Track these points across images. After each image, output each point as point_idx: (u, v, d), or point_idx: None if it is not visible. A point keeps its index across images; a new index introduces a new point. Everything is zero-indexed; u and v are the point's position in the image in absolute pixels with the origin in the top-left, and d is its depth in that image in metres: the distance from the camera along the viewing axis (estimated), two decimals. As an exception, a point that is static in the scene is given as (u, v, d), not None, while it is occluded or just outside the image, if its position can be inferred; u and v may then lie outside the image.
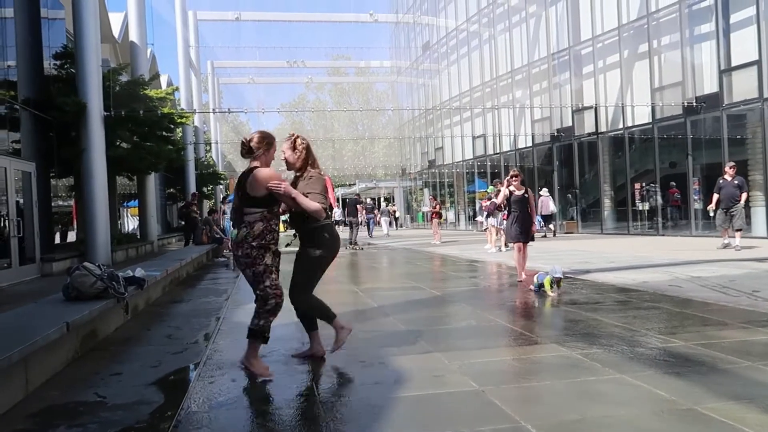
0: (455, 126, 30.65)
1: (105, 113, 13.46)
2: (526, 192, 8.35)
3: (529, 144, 24.21)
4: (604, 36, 19.96)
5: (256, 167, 3.99)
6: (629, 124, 19.11)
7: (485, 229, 14.69)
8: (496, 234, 13.65)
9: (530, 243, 8.47)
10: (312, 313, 4.45)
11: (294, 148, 4.27)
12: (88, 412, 3.38)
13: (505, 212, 13.86)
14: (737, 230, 11.79)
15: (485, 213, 13.87)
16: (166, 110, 16.66)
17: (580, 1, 21.13)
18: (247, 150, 4.05)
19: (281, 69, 42.67)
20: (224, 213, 20.11)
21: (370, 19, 34.80)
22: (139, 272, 6.07)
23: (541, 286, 7.06)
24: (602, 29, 20.00)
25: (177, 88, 21.17)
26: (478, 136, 27.50)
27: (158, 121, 15.71)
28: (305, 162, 4.29)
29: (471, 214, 21.84)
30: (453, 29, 30.27)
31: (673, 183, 18.27)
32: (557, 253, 13.07)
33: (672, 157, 18.36)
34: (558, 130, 22.15)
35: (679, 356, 4.22)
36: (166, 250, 17.60)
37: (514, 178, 8.40)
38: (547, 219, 18.95)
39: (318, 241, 4.24)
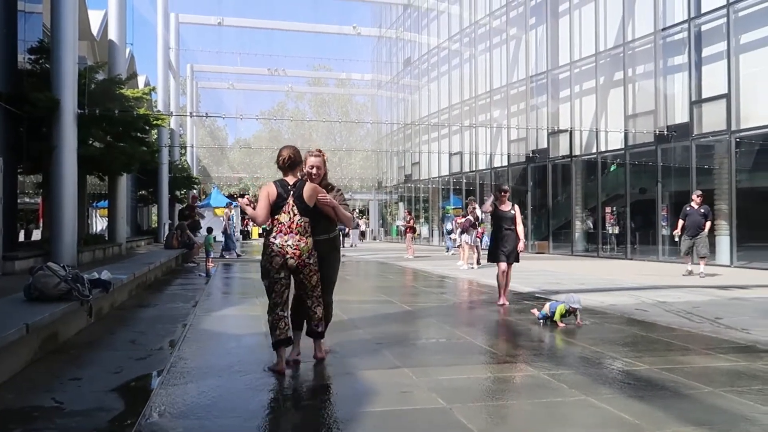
0: (433, 142, 30.88)
1: (79, 111, 13.19)
2: (513, 208, 7.91)
3: (505, 163, 24.50)
4: (582, 62, 20.39)
5: (305, 180, 4.46)
6: (602, 148, 19.50)
7: (458, 246, 14.76)
8: (470, 251, 13.74)
9: (514, 264, 8.04)
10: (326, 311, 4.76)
11: (324, 162, 4.73)
12: (44, 418, 3.27)
13: (479, 230, 14.09)
14: (701, 257, 12.07)
15: (459, 229, 13.95)
16: (142, 111, 16.42)
17: (560, 27, 21.58)
18: (290, 163, 4.43)
19: (262, 76, 42.52)
20: (229, 219, 19.79)
21: (353, 32, 34.94)
22: (105, 275, 5.94)
23: (549, 317, 6.30)
24: (580, 55, 20.43)
25: (154, 89, 20.92)
26: (454, 153, 27.73)
27: (133, 122, 15.45)
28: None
29: (444, 230, 21.90)
30: (435, 47, 30.59)
31: (610, 210, 19.30)
32: (528, 273, 13.18)
33: (642, 183, 18.77)
34: (533, 151, 22.48)
35: (643, 380, 4.28)
36: (135, 253, 17.25)
37: (502, 193, 7.96)
38: None
39: (339, 246, 4.91)
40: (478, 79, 26.38)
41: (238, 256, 18.43)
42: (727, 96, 15.27)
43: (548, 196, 22.15)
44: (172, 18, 32.15)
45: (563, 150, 21.08)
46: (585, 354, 5.04)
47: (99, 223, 29.10)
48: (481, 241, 13.85)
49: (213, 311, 7.20)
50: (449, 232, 21.32)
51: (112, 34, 18.43)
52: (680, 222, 12.41)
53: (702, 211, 12.18)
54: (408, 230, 19.59)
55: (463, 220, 13.59)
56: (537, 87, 22.74)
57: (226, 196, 42.22)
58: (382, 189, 39.04)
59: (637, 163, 18.44)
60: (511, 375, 4.31)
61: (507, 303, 7.81)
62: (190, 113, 30.23)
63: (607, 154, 19.39)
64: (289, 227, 4.34)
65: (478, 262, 13.99)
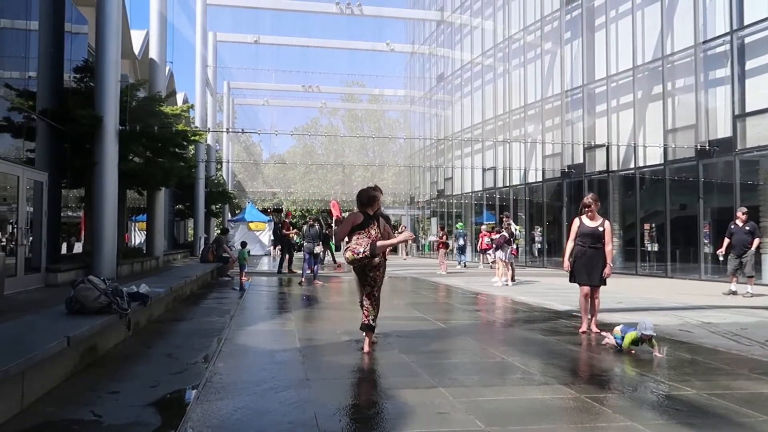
0: (466, 157, 30.73)
1: (120, 127, 13.57)
2: (602, 224, 6.89)
3: (539, 179, 24.17)
4: (619, 76, 20.06)
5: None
6: (641, 164, 19.07)
7: (493, 262, 14.53)
8: (504, 267, 13.52)
9: (601, 287, 7.07)
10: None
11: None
12: (83, 431, 3.29)
13: (514, 246, 13.87)
14: (749, 277, 11.64)
15: (495, 246, 13.75)
16: (180, 127, 16.79)
17: (596, 41, 21.31)
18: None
19: (296, 93, 43.17)
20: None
21: (386, 49, 35.22)
22: (143, 288, 6.02)
23: (622, 339, 5.76)
24: (617, 69, 20.11)
25: (192, 106, 21.39)
26: (488, 169, 27.52)
27: (172, 138, 15.82)
28: None
29: (456, 246, 22.07)
30: (468, 62, 30.56)
31: (649, 226, 18.96)
32: (564, 290, 12.90)
33: (682, 199, 18.25)
34: (569, 167, 22.13)
35: (690, 405, 4.09)
36: (172, 267, 17.54)
37: (586, 208, 6.92)
38: None
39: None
40: (512, 94, 26.20)
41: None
42: (773, 109, 14.79)
43: (584, 212, 21.71)
44: (210, 37, 32.95)
45: (600, 165, 20.70)
46: (628, 377, 4.86)
47: (137, 237, 29.79)
48: (516, 258, 13.64)
49: (247, 326, 7.22)
50: (461, 249, 21.38)
51: (153, 53, 18.97)
52: (726, 240, 12.01)
53: (747, 228, 11.76)
54: (440, 246, 19.44)
55: (498, 236, 13.40)
56: (572, 101, 22.45)
57: (261, 211, 42.79)
58: (415, 204, 38.97)
59: (678, 178, 17.96)
60: (550, 397, 4.17)
61: (595, 330, 6.85)
62: (227, 129, 30.87)
63: (645, 169, 18.95)
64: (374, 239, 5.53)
65: (513, 279, 13.76)
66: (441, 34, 34.43)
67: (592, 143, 20.80)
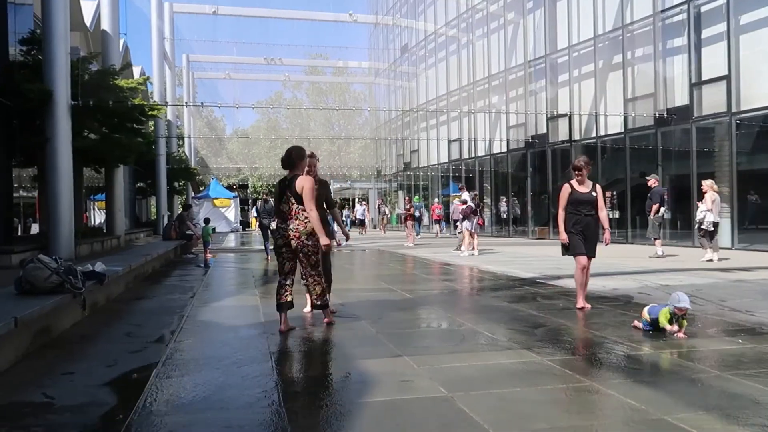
0: (431, 129, 30.69)
1: (72, 102, 13.03)
2: (593, 189, 6.34)
3: (504, 149, 24.34)
4: (580, 45, 20.17)
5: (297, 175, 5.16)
6: (602, 133, 19.34)
7: (459, 233, 14.63)
8: (470, 237, 13.64)
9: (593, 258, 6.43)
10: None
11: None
12: (33, 414, 3.18)
13: (480, 217, 13.97)
14: (654, 239, 12.70)
15: (460, 216, 13.83)
16: (137, 101, 16.23)
17: (558, 11, 21.34)
18: (285, 163, 5.23)
19: (258, 66, 42.22)
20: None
21: (349, 19, 34.63)
22: (99, 267, 5.83)
23: (653, 323, 5.08)
24: (578, 39, 20.21)
25: (149, 79, 20.68)
26: (453, 140, 27.56)
27: (128, 112, 15.27)
28: None
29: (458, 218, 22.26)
30: (431, 33, 30.29)
31: (610, 194, 19.42)
32: (528, 258, 13.11)
33: (642, 166, 18.63)
34: (532, 137, 22.31)
35: (649, 364, 4.20)
36: (134, 246, 17.12)
37: (577, 172, 6.25)
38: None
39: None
40: (476, 65, 26.14)
41: None
42: (727, 77, 15.10)
43: (548, 182, 22.01)
44: (166, 7, 31.82)
45: (563, 135, 20.93)
46: (588, 338, 4.96)
47: (98, 216, 28.98)
48: (482, 228, 13.81)
49: (210, 302, 7.11)
50: (417, 220, 21.61)
51: (105, 24, 18.19)
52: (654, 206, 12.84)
53: (648, 194, 12.81)
54: (408, 218, 19.48)
55: (465, 206, 13.46)
56: (535, 72, 22.53)
57: (225, 187, 42.09)
58: (382, 177, 38.89)
59: (637, 146, 18.28)
60: (513, 361, 4.22)
61: (587, 306, 6.33)
62: (186, 103, 29.98)
63: (606, 138, 19.23)
64: (289, 214, 5.07)
65: (471, 248, 13.99)
66: (404, 4, 33.99)
67: (555, 113, 20.97)
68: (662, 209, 12.63)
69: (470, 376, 3.86)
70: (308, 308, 5.91)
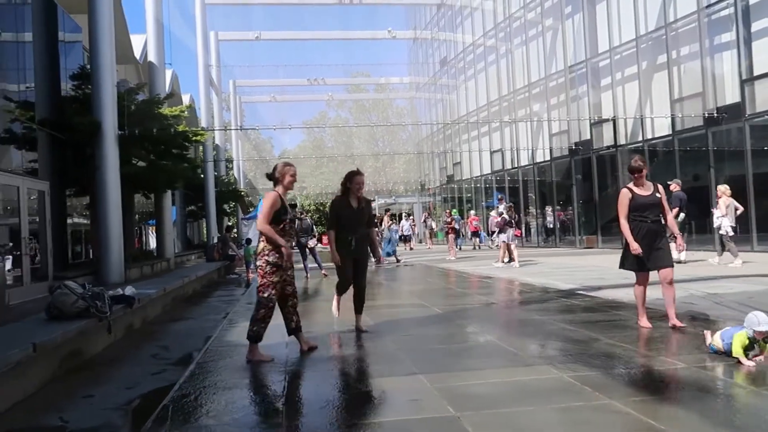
0: (473, 141, 30.42)
1: (119, 131, 13.60)
2: (657, 191, 5.58)
3: (548, 158, 23.84)
4: (622, 47, 19.62)
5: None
6: (649, 136, 18.67)
7: (497, 246, 14.36)
8: (507, 249, 13.40)
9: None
10: None
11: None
12: (44, 437, 3.26)
13: (516, 228, 13.67)
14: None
15: (496, 229, 13.58)
16: (181, 128, 16.81)
17: (597, 13, 20.86)
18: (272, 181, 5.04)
19: (302, 87, 43.06)
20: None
21: (388, 36, 34.91)
22: (129, 291, 6.00)
23: (726, 351, 4.20)
24: (620, 41, 19.66)
25: (190, 106, 21.42)
26: (495, 151, 27.22)
27: (172, 139, 15.84)
28: None
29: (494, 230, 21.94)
30: (470, 44, 30.17)
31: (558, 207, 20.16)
32: (572, 269, 12.71)
33: (694, 169, 17.83)
34: (576, 144, 21.76)
35: (680, 380, 3.95)
36: (183, 268, 17.64)
37: (636, 174, 5.51)
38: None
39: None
40: (516, 74, 25.81)
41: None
42: (781, 71, 14.33)
43: (594, 189, 21.38)
44: (211, 36, 32.99)
45: (607, 140, 20.33)
46: (618, 353, 4.70)
47: (152, 241, 30.07)
48: (519, 238, 13.55)
49: (241, 323, 7.18)
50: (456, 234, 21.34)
51: (151, 56, 19.01)
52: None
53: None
54: (450, 231, 19.27)
55: (499, 219, 13.22)
56: (577, 77, 22.04)
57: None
58: (426, 191, 38.77)
59: (687, 148, 17.54)
60: (532, 378, 4.05)
61: (680, 324, 5.47)
62: (225, 127, 30.73)
63: (654, 141, 18.54)
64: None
65: (512, 260, 13.73)
66: (442, 17, 34.03)
67: (598, 118, 20.41)
68: (681, 214, 12.23)
69: (483, 394, 3.73)
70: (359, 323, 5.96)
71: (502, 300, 8.59)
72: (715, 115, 16.13)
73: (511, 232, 13.09)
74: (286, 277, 4.96)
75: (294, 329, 5.11)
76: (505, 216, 13.02)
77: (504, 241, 13.19)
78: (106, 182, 13.04)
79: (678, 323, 5.45)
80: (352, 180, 5.67)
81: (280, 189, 4.97)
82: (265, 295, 4.79)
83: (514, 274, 11.96)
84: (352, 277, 5.75)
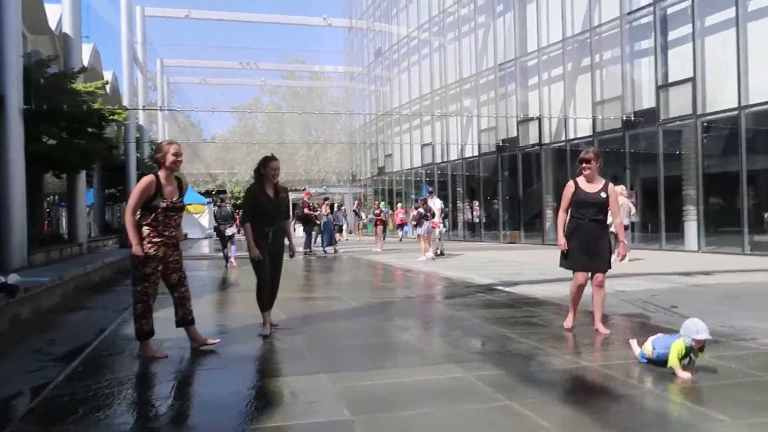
0: (405, 133, 30.53)
1: (25, 106, 12.58)
2: (605, 189, 5.21)
3: (476, 153, 24.22)
4: (549, 48, 20.13)
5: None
6: (571, 136, 19.29)
7: (417, 238, 14.42)
8: (425, 243, 13.52)
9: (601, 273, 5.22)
10: None
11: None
12: None
13: (434, 220, 13.73)
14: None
15: (413, 223, 13.65)
16: (97, 106, 15.76)
17: (528, 13, 21.29)
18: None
19: (234, 70, 41.84)
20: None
21: (323, 23, 34.37)
22: (12, 279, 5.48)
23: (657, 360, 3.98)
24: (548, 41, 20.16)
25: (107, 82, 20.07)
26: (426, 144, 27.40)
27: (87, 117, 14.81)
28: None
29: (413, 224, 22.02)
30: (404, 36, 30.17)
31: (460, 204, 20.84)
32: (493, 263, 12.92)
33: (612, 170, 18.58)
34: (503, 140, 22.21)
35: (579, 379, 3.96)
36: (97, 253, 16.63)
37: (585, 165, 5.16)
38: None
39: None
40: (448, 69, 26.03)
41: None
42: (692, 80, 15.10)
43: (519, 186, 21.91)
44: (137, 11, 31.32)
45: (533, 138, 20.85)
46: (524, 351, 4.69)
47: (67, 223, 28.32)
48: (438, 231, 13.71)
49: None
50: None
51: (66, 27, 17.75)
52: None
53: None
54: (378, 223, 19.23)
55: (416, 212, 13.29)
56: (506, 75, 22.46)
57: (201, 194, 41.43)
58: (357, 182, 38.62)
59: (608, 150, 18.22)
60: (435, 378, 3.96)
61: (603, 330, 5.21)
62: (143, 107, 29.29)
63: (576, 141, 19.16)
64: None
65: (438, 253, 13.87)
66: (378, 7, 33.86)
67: (525, 116, 20.90)
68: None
69: (383, 395, 3.59)
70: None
71: (418, 294, 8.55)
72: (633, 118, 16.84)
73: (427, 224, 13.16)
74: (170, 265, 4.63)
75: (181, 321, 4.78)
76: (421, 210, 13.10)
77: (419, 234, 13.28)
78: (8, 160, 12.00)
79: (601, 329, 5.22)
80: (266, 166, 5.28)
81: (162, 172, 4.62)
82: (138, 288, 4.50)
83: (434, 267, 12.00)
84: (270, 274, 5.39)
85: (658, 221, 16.19)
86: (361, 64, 37.46)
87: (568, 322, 5.46)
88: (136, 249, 4.42)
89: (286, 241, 5.60)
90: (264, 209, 5.25)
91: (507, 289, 8.47)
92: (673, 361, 3.81)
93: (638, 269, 10.68)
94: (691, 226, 15.35)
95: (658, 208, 16.13)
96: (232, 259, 12.82)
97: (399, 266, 12.57)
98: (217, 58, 40.04)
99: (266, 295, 5.35)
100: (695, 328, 3.76)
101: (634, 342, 4.33)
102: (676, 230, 15.84)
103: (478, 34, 24.27)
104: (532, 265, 12.03)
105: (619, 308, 6.60)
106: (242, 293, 8.07)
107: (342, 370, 4.16)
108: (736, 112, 14.11)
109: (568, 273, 5.49)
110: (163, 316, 4.98)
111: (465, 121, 25.28)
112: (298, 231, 20.91)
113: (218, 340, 4.87)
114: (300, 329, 5.61)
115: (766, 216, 14.16)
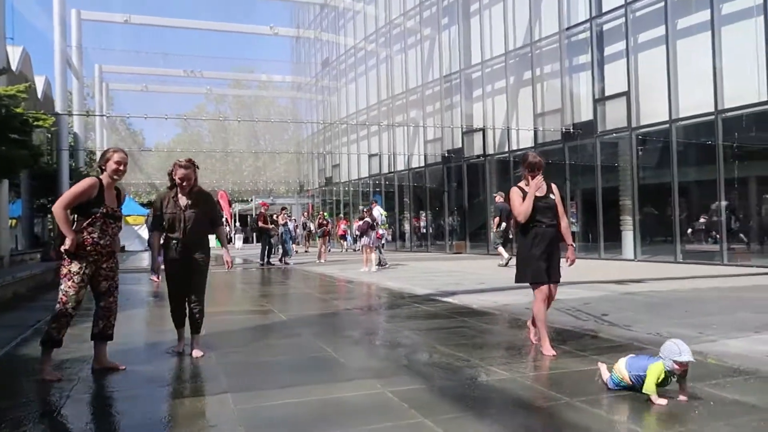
0: (352, 144, 30.37)
1: (-67, 110, 11.71)
2: (551, 191, 4.94)
3: (422, 164, 24.26)
4: (493, 61, 20.40)
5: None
6: (514, 147, 19.54)
7: (360, 249, 14.20)
8: (370, 253, 13.31)
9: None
10: None
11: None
12: None
13: (378, 230, 13.57)
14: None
15: (358, 233, 13.43)
16: (19, 110, 14.87)
17: (471, 27, 21.56)
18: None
19: (178, 78, 40.73)
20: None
21: (270, 32, 33.94)
22: None
23: (636, 385, 3.51)
24: (491, 54, 20.44)
25: (30, 85, 19.00)
26: (373, 155, 27.31)
27: (5, 121, 13.94)
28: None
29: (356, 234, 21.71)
30: (351, 47, 30.11)
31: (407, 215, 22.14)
32: (436, 273, 12.81)
33: (553, 181, 18.86)
34: (449, 151, 22.33)
35: (501, 392, 3.79)
36: (20, 267, 15.60)
37: (534, 172, 4.82)
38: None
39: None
40: (395, 80, 26.08)
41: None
42: (627, 93, 15.53)
43: (465, 197, 22.03)
44: (72, 14, 30.12)
45: (477, 149, 21.02)
46: (450, 363, 4.50)
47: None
48: (381, 242, 13.50)
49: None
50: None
51: (-13, 28, 16.76)
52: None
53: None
54: (323, 234, 18.89)
55: (361, 222, 13.07)
56: (452, 86, 22.63)
57: (142, 205, 39.97)
58: (305, 193, 38.16)
59: (549, 161, 18.51)
60: (351, 395, 3.71)
61: (543, 342, 4.79)
62: (69, 112, 28.09)
63: (518, 152, 19.39)
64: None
65: (381, 264, 13.67)
66: (325, 17, 33.72)
67: (469, 127, 21.08)
68: (503, 224, 13.80)
69: (289, 417, 3.31)
70: None
71: (355, 306, 8.28)
72: (572, 131, 17.18)
73: (373, 235, 12.97)
74: (102, 271, 4.34)
75: (99, 335, 4.42)
76: (368, 219, 12.90)
77: (365, 245, 13.06)
78: None
79: (549, 350, 4.67)
80: (175, 171, 4.94)
81: (105, 177, 4.36)
82: (61, 287, 4.22)
83: (375, 278, 11.79)
84: (182, 289, 4.98)
85: (597, 231, 16.51)
86: (309, 74, 37.17)
87: (548, 349, 4.68)
88: (67, 242, 4.10)
89: (224, 252, 5.31)
90: (171, 218, 4.87)
91: (445, 299, 8.32)
92: (650, 386, 3.38)
93: (574, 278, 10.74)
94: (628, 236, 15.71)
95: (597, 219, 16.46)
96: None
97: (341, 277, 12.28)
98: (160, 66, 38.69)
99: (178, 310, 4.96)
100: (678, 350, 3.39)
101: (603, 366, 3.83)
102: (614, 240, 16.18)
103: (424, 46, 24.43)
104: (474, 275, 11.97)
105: (552, 317, 6.51)
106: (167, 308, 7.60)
107: (252, 389, 3.85)
108: (667, 125, 14.57)
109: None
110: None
111: (411, 132, 25.33)
112: (237, 243, 20.35)
113: (123, 367, 4.44)
114: (218, 346, 5.25)
115: (689, 231, 14.67)
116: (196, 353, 4.81)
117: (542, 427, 3.21)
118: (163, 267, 5.01)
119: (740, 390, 3.68)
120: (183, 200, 4.94)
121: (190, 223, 4.89)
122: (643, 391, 3.41)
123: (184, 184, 4.89)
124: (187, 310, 4.97)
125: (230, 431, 3.08)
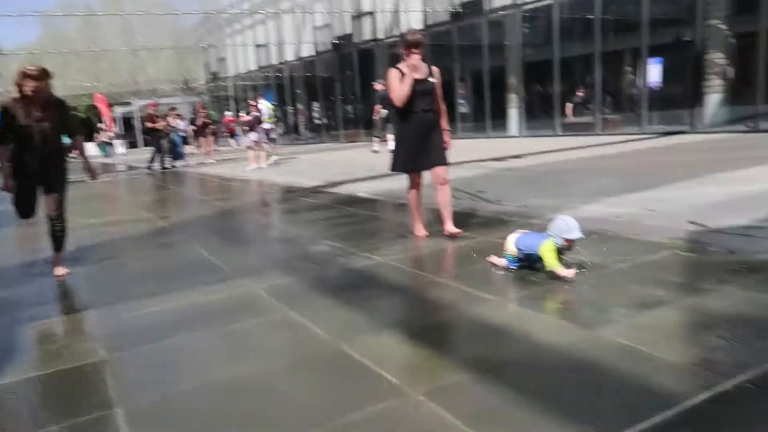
0: (237, 34, 28.41)
1: None
2: (431, 73, 4.67)
3: (313, 53, 23.29)
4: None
5: None
6: (404, 31, 19.04)
7: (248, 147, 13.69)
8: (259, 149, 12.95)
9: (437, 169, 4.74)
10: None
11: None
12: None
13: (265, 125, 13.11)
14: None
15: (245, 128, 12.93)
16: None
17: None
18: None
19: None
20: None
21: None
22: None
23: (525, 259, 3.60)
24: (374, -71, 19.24)
25: None
26: (260, 45, 25.79)
27: None
28: None
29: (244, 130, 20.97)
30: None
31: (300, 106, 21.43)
32: (327, 164, 12.74)
33: (442, 62, 18.82)
34: (338, 38, 21.49)
35: (367, 276, 3.91)
36: None
37: (414, 50, 4.51)
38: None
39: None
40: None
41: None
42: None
43: (356, 84, 21.60)
44: None
45: (367, 35, 20.36)
46: (325, 254, 4.56)
47: None
48: (268, 137, 13.08)
49: None
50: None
51: None
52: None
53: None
54: (209, 133, 17.99)
55: (249, 117, 12.54)
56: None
57: None
58: (191, 90, 35.86)
59: (438, 44, 18.33)
60: (220, 297, 3.67)
61: (455, 230, 4.71)
62: None
63: (408, 36, 19.01)
64: None
65: (273, 160, 13.44)
66: None
67: (356, 11, 20.23)
68: (383, 111, 13.61)
69: (153, 324, 3.24)
70: None
71: (238, 205, 8.13)
72: (460, 10, 16.94)
73: (261, 130, 12.54)
74: None
75: None
76: (256, 113, 12.38)
77: (253, 140, 12.63)
78: None
79: (453, 230, 4.70)
80: (24, 83, 4.20)
81: None
82: None
83: (264, 174, 11.56)
84: (35, 205, 4.53)
85: (485, 111, 16.92)
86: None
87: (420, 230, 4.85)
88: None
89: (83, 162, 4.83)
90: (24, 132, 4.35)
91: (331, 190, 8.34)
92: (552, 262, 3.39)
93: (456, 158, 11.07)
94: (513, 113, 16.25)
95: (484, 98, 16.80)
96: None
97: (227, 176, 11.93)
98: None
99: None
100: (567, 227, 3.41)
101: (493, 257, 3.82)
102: (501, 118, 16.69)
103: None
104: (365, 164, 12.01)
105: (430, 198, 6.72)
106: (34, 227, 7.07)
107: (117, 301, 3.72)
108: (551, 1, 14.67)
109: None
110: None
111: (299, 19, 23.97)
112: (119, 148, 18.91)
113: None
114: (87, 260, 5.00)
115: (567, 105, 15.14)
116: (60, 271, 4.54)
117: (408, 305, 3.37)
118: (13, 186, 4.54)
119: (582, 246, 3.93)
120: (35, 112, 4.39)
121: (45, 137, 4.41)
122: (547, 269, 3.43)
123: (34, 94, 4.32)
124: (48, 228, 4.63)
125: (88, 348, 2.97)
